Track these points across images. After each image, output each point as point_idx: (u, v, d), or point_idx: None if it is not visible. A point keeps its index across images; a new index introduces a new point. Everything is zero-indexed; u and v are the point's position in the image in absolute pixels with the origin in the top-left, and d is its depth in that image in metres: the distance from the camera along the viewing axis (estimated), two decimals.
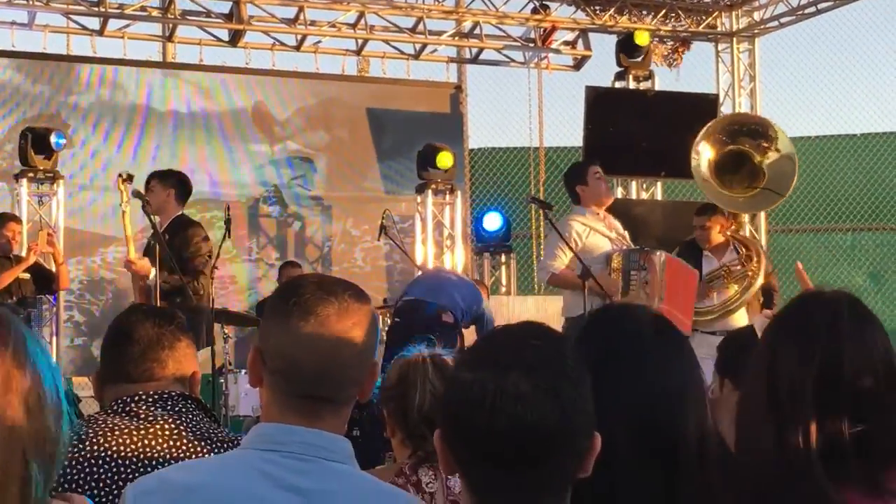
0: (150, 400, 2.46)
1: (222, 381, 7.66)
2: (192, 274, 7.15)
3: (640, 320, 1.89)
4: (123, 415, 2.43)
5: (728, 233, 7.54)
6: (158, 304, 6.68)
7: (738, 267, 7.40)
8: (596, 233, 6.79)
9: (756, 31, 11.76)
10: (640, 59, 11.35)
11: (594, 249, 6.75)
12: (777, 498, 1.83)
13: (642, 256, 6.59)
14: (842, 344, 1.90)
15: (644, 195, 11.67)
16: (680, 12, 11.54)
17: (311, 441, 1.79)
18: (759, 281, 7.35)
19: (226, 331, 8.14)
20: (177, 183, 7.55)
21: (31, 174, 9.36)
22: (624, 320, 1.92)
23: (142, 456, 2.37)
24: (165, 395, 2.47)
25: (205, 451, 2.41)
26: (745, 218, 11.61)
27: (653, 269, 6.58)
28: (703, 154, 7.78)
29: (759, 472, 1.87)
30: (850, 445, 1.83)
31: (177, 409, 2.46)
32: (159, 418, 2.42)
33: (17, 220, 8.59)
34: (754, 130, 7.93)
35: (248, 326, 8.77)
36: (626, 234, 7.23)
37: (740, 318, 7.28)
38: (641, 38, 11.19)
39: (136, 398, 2.45)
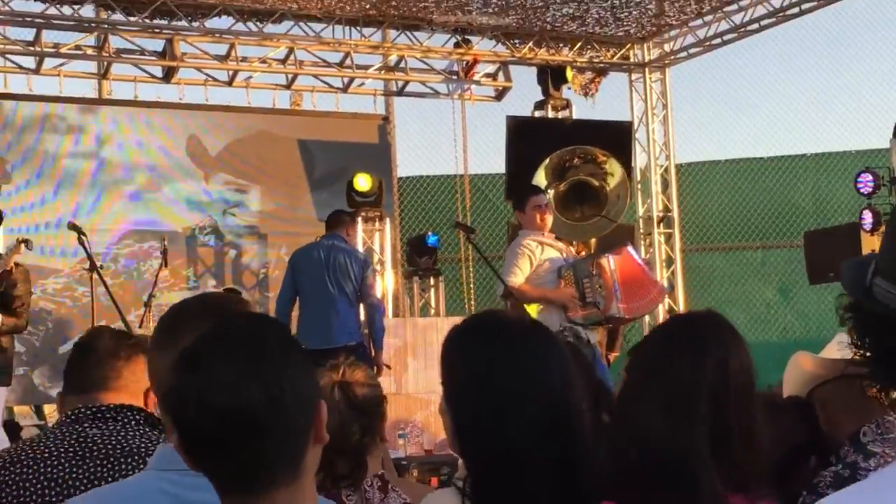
0: (90, 414, 2.38)
1: None
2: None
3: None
4: (73, 440, 2.34)
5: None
6: None
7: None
8: (548, 246, 6.75)
9: (667, 61, 11.93)
10: (559, 91, 11.50)
11: (552, 261, 6.71)
12: (668, 485, 1.92)
13: (590, 264, 6.64)
14: (728, 354, 1.98)
15: None
16: (595, 44, 11.69)
17: None
18: None
19: None
20: None
21: None
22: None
23: (68, 477, 2.29)
24: (104, 408, 2.39)
25: (128, 467, 2.31)
26: (661, 238, 11.79)
27: (604, 274, 6.62)
28: (541, 186, 7.83)
29: (650, 461, 1.95)
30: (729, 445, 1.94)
31: (111, 425, 2.38)
32: (108, 444, 2.35)
33: None
34: (584, 159, 8.08)
35: None
36: (572, 249, 7.32)
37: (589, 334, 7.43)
38: (569, 75, 11.37)
39: (79, 413, 2.38)
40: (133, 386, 2.47)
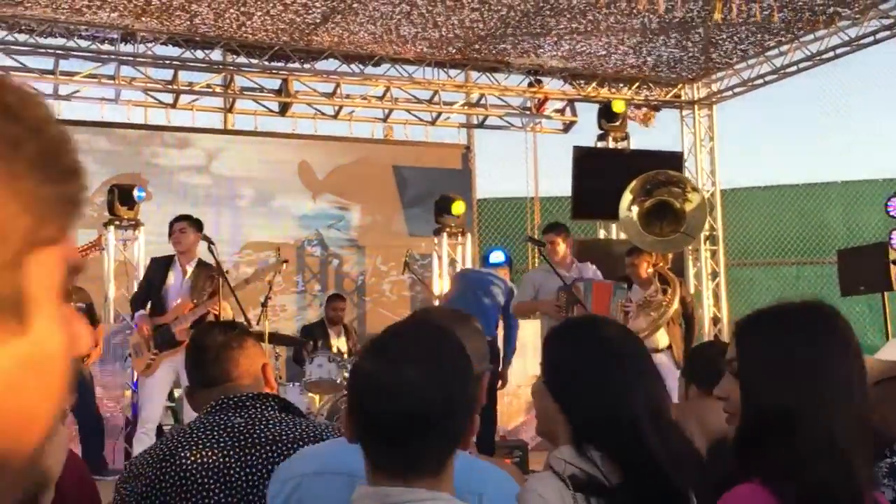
0: (231, 404, 2.32)
1: None
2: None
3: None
4: (207, 430, 2.29)
5: (652, 268, 7.61)
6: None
7: (657, 296, 7.50)
8: (551, 276, 7.22)
9: (714, 99, 11.80)
10: (617, 124, 11.42)
11: (551, 288, 7.28)
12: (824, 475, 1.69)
13: (573, 288, 7.08)
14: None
15: (623, 235, 11.66)
16: (651, 84, 11.59)
17: None
18: (673, 307, 7.48)
19: (277, 350, 8.17)
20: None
21: (116, 222, 9.43)
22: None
23: (222, 466, 2.23)
24: (244, 398, 2.33)
25: (274, 454, 2.24)
26: (707, 254, 11.63)
27: (580, 295, 7.05)
28: (626, 204, 7.87)
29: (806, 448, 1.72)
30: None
31: (252, 413, 2.31)
32: (236, 428, 2.28)
33: None
34: (672, 183, 8.01)
35: (294, 346, 8.79)
36: (596, 269, 7.74)
37: (661, 337, 7.53)
38: (617, 107, 11.29)
39: (222, 402, 2.32)
40: (252, 368, 2.46)
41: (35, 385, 0.60)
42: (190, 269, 7.12)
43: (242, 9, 9.05)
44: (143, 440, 6.72)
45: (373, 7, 9.03)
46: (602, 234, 11.82)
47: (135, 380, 8.10)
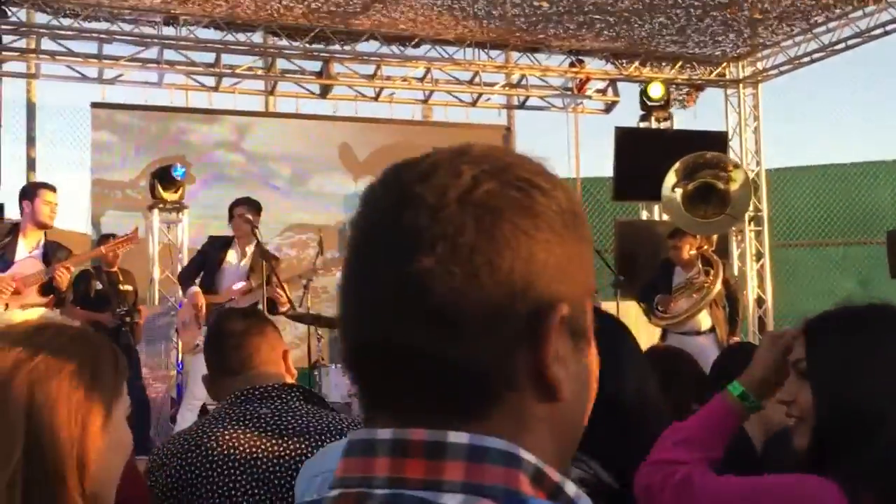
0: (258, 395, 2.29)
1: (316, 373, 7.70)
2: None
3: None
4: (234, 420, 2.26)
5: (695, 250, 7.50)
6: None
7: (700, 278, 7.39)
8: None
9: (759, 78, 11.58)
10: (661, 104, 11.26)
11: None
12: None
13: None
14: None
15: (665, 217, 11.53)
16: (695, 63, 11.41)
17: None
18: (716, 289, 7.35)
19: (319, 332, 8.18)
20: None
21: (160, 205, 9.49)
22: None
23: (249, 457, 2.21)
24: (270, 388, 2.31)
25: (302, 446, 2.23)
26: (752, 234, 11.46)
27: None
28: (669, 185, 7.75)
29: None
30: None
31: (278, 403, 2.29)
32: (262, 419, 2.26)
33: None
34: (715, 164, 7.87)
35: (337, 328, 8.79)
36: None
37: (704, 320, 7.41)
38: (655, 90, 11.14)
39: (248, 393, 2.29)
40: (273, 355, 2.43)
41: (588, 395, 0.81)
42: (249, 250, 7.18)
43: (284, 1, 9.10)
44: (187, 417, 6.79)
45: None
46: (644, 215, 11.70)
47: (179, 360, 8.18)
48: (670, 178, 7.75)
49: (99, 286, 7.99)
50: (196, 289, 7.13)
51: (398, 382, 0.75)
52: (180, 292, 8.03)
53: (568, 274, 0.76)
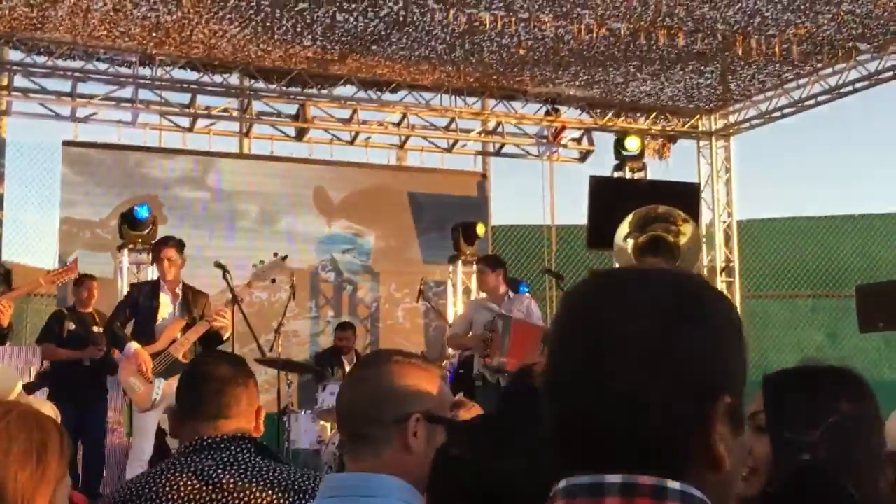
0: (206, 445, 2.26)
1: (286, 419, 7.57)
2: None
3: None
4: (179, 471, 2.24)
5: None
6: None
7: None
8: (484, 310, 7.49)
9: (731, 130, 11.70)
10: (635, 155, 11.33)
11: (483, 321, 7.43)
12: None
13: (493, 322, 7.23)
14: None
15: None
16: (668, 115, 11.52)
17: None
18: None
19: (289, 377, 8.06)
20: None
21: (130, 246, 9.35)
22: None
23: None
24: (219, 439, 2.27)
25: (233, 500, 2.21)
26: (723, 285, 11.49)
27: (496, 333, 7.13)
28: (622, 235, 7.83)
29: None
30: None
31: (226, 455, 2.25)
32: (205, 471, 2.23)
33: (94, 279, 8.14)
34: (665, 218, 7.96)
35: (308, 374, 8.67)
36: (532, 305, 7.77)
37: None
38: (631, 143, 11.23)
39: (196, 444, 2.27)
40: (248, 409, 2.36)
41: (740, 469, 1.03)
42: (179, 291, 6.98)
43: (262, 46, 9.09)
44: (137, 470, 6.59)
45: (391, 51, 9.19)
46: (617, 264, 11.73)
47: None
48: (623, 229, 7.82)
49: (72, 327, 7.85)
50: (135, 346, 6.71)
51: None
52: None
53: (730, 372, 0.98)
